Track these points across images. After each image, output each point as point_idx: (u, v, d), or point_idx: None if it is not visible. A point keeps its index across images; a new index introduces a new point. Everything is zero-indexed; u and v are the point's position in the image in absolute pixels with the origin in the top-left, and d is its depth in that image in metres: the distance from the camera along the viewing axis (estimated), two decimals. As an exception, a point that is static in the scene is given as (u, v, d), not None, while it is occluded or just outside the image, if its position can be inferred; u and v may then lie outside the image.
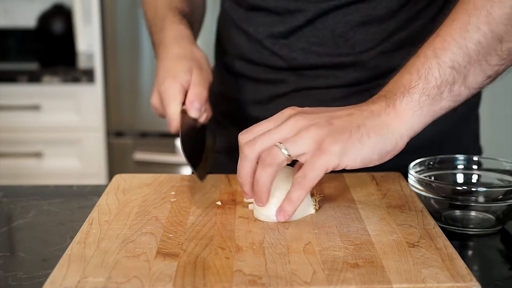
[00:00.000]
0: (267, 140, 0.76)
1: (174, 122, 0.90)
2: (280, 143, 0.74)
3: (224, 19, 1.14)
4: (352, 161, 0.74)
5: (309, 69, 1.03)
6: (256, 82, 1.08)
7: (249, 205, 0.81)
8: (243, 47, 1.09)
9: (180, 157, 2.42)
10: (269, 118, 0.79)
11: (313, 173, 0.73)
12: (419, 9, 1.01)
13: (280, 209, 0.76)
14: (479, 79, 0.78)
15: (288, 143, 0.74)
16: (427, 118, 0.78)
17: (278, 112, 0.80)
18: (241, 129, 1.13)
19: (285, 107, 0.80)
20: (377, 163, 0.76)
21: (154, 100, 0.94)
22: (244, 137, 0.79)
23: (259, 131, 0.78)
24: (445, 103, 0.78)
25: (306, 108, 0.79)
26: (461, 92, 0.78)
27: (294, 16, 1.02)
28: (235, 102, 1.11)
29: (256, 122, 1.07)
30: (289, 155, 0.74)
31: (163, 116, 0.94)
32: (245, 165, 0.77)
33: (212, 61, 1.23)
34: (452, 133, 1.10)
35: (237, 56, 1.10)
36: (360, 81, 1.01)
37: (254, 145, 0.76)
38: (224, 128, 1.14)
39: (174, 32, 0.98)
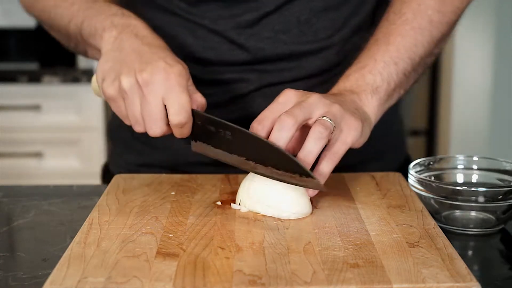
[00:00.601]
0: (304, 112, 0.78)
1: (187, 112, 0.80)
2: (322, 116, 0.78)
3: (150, 19, 0.99)
4: (364, 137, 0.83)
5: (275, 60, 1.00)
6: (211, 84, 1.01)
7: (242, 208, 0.81)
8: (190, 47, 1.01)
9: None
10: (277, 101, 0.81)
11: (344, 147, 0.80)
12: None
13: None
14: (412, 84, 0.96)
15: (328, 116, 0.78)
16: (382, 112, 0.91)
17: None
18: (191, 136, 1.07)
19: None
20: (360, 145, 0.84)
21: (161, 66, 0.80)
22: (259, 127, 0.79)
23: (273, 113, 0.79)
24: (392, 103, 0.92)
25: (302, 91, 0.83)
26: (402, 94, 0.94)
27: (261, 2, 0.98)
28: None
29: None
30: (334, 126, 0.78)
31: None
32: (285, 135, 0.77)
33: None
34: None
35: (180, 57, 0.99)
36: (322, 70, 1.01)
37: (295, 116, 0.78)
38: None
39: (148, 29, 0.89)
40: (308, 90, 0.84)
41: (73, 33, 0.96)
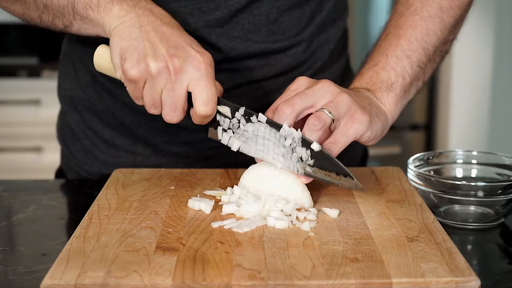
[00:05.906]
0: (305, 101, 0.78)
1: (214, 104, 0.78)
2: (322, 108, 0.78)
3: None
4: (374, 132, 0.81)
5: (247, 58, 0.98)
6: None
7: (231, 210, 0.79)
8: None
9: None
10: (289, 89, 0.81)
11: (345, 139, 0.78)
12: None
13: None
14: (430, 74, 0.93)
15: (330, 107, 0.78)
16: (401, 109, 0.89)
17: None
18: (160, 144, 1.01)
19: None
20: (375, 142, 0.83)
21: (191, 54, 0.77)
22: (272, 115, 0.79)
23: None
24: (411, 97, 0.91)
25: (313, 79, 0.82)
26: (420, 87, 0.92)
27: None
28: (145, 115, 0.94)
29: (185, 131, 1.00)
30: (333, 119, 0.78)
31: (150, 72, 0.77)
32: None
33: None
34: None
35: None
36: (291, 67, 1.00)
37: (293, 104, 0.78)
38: (130, 139, 1.05)
39: (157, 6, 0.84)
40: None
41: (59, 5, 0.87)
